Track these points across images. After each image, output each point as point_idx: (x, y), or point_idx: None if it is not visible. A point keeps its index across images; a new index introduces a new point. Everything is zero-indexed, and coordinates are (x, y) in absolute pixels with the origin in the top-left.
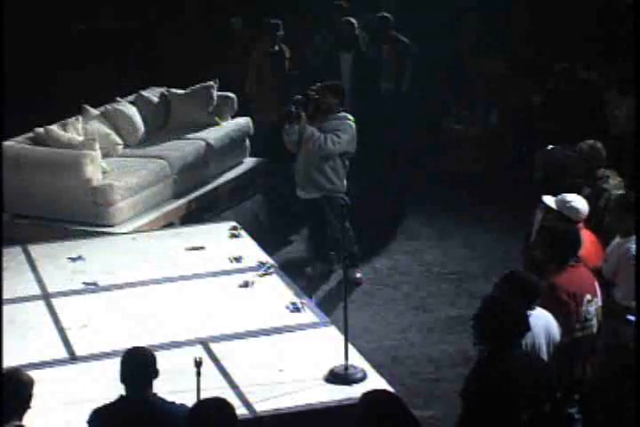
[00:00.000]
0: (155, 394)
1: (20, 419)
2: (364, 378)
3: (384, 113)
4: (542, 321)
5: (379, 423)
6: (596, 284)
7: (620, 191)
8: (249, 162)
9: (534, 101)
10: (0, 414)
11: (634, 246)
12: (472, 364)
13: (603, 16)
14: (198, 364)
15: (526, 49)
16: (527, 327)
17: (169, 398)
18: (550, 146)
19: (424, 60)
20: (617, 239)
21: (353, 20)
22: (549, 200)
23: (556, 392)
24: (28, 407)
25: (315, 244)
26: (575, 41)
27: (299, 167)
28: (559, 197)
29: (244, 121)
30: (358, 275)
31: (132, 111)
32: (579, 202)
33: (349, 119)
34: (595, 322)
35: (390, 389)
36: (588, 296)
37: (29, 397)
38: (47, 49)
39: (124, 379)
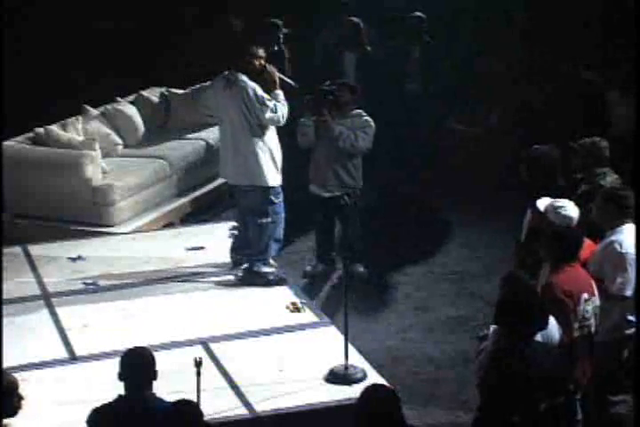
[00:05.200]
0: (153, 394)
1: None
2: (363, 378)
3: (396, 113)
4: None
5: (371, 419)
6: (593, 283)
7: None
8: None
9: (535, 101)
10: None
11: (617, 240)
12: (472, 364)
13: (604, 16)
14: (198, 364)
15: (527, 49)
16: (546, 317)
17: (169, 398)
18: (536, 145)
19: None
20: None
21: (357, 20)
22: (541, 204)
23: (570, 384)
24: (19, 407)
25: (319, 243)
26: (577, 41)
27: (318, 164)
28: (549, 202)
29: None
30: (362, 269)
31: (132, 111)
32: (567, 208)
33: (367, 116)
34: (593, 321)
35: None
36: (585, 295)
37: (16, 399)
38: (47, 48)
39: (123, 379)
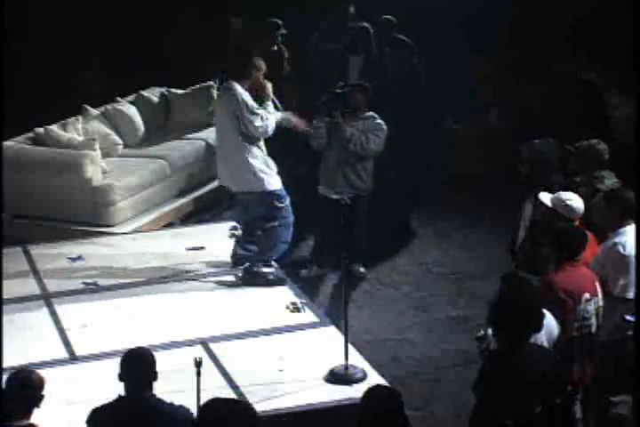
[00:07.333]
0: (153, 395)
1: (29, 418)
2: (363, 378)
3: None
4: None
5: (373, 420)
6: (597, 283)
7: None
8: None
9: (534, 102)
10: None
11: (620, 242)
12: (472, 364)
13: (603, 16)
14: (198, 364)
15: (527, 49)
16: (542, 319)
17: (169, 398)
18: (536, 140)
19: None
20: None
21: (368, 26)
22: (545, 197)
23: (567, 386)
24: (37, 406)
25: (318, 244)
26: (576, 41)
27: (328, 166)
28: (555, 194)
29: None
30: (362, 269)
31: (132, 111)
32: (575, 201)
33: (379, 118)
34: (593, 321)
35: None
36: (587, 295)
37: (39, 396)
38: (47, 48)
39: (123, 379)
